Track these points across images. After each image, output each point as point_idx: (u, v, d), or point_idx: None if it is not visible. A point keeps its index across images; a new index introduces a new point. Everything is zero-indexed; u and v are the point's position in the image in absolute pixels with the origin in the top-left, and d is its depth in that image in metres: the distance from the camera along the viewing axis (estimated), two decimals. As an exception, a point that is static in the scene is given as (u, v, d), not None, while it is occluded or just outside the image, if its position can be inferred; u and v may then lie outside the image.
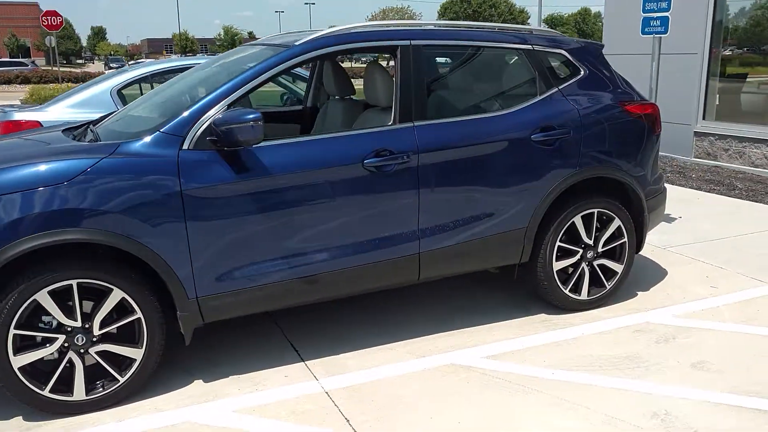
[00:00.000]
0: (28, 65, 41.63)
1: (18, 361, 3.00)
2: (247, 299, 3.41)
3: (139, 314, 3.19)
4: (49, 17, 24.25)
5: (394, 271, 3.73)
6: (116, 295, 3.12)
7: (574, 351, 3.75)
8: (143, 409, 3.19)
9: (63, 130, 3.94)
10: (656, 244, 5.63)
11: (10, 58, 58.22)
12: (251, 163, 3.30)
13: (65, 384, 3.12)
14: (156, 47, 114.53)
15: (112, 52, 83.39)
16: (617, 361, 3.61)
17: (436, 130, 3.73)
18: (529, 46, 4.13)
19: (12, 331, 2.96)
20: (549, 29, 4.59)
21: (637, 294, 4.58)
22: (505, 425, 3.03)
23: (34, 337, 3.05)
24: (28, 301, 2.96)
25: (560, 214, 4.09)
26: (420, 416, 3.11)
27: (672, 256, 5.33)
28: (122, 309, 3.18)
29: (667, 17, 6.41)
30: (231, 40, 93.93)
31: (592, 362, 3.60)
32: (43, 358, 3.07)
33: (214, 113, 3.28)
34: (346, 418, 3.10)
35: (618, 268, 4.37)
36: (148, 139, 3.22)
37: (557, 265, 4.17)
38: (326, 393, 3.33)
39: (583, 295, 4.28)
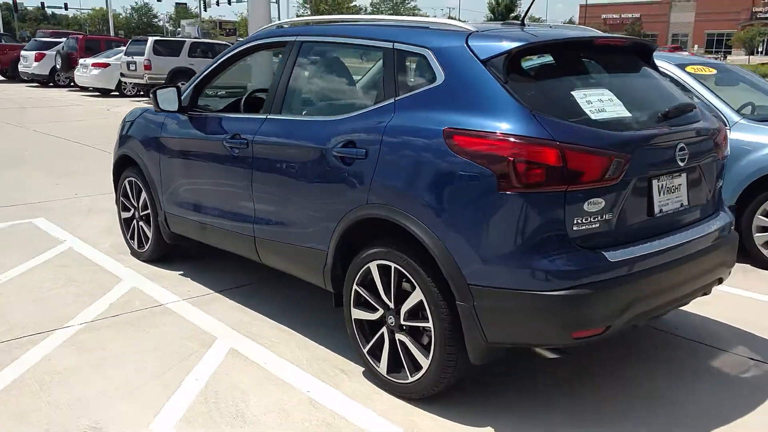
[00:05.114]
0: None
1: None
2: (180, 224, 4.70)
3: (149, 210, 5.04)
4: None
5: (245, 246, 4.13)
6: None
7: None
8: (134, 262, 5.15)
9: None
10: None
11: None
12: (180, 126, 4.53)
13: None
14: None
15: None
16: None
17: (275, 125, 3.80)
18: (389, 44, 3.30)
19: None
20: (452, 20, 3.23)
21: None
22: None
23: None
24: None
25: (360, 254, 3.31)
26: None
27: None
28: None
29: None
30: None
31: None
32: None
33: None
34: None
35: (423, 360, 3.07)
36: None
37: (355, 313, 3.40)
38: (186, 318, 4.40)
39: (382, 367, 3.28)
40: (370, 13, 72.83)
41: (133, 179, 5.13)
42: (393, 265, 3.13)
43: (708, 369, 3.67)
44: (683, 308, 4.27)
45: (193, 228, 4.59)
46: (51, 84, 24.42)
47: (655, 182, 3.05)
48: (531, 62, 3.13)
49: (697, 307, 4.30)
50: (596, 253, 2.80)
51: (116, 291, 4.61)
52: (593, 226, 2.80)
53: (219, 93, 5.18)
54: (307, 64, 3.87)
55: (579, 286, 2.73)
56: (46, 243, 5.66)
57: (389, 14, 72.16)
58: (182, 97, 4.48)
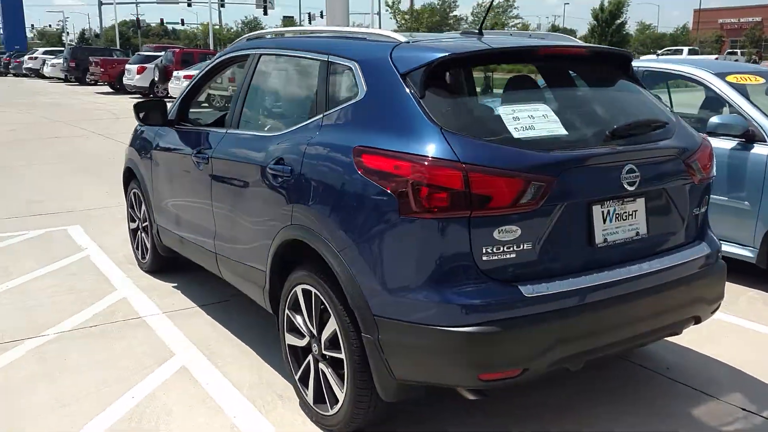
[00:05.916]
0: None
1: None
2: (168, 237, 4.71)
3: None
4: None
5: (209, 261, 4.09)
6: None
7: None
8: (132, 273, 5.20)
9: None
10: None
11: None
12: (166, 140, 4.55)
13: None
14: None
15: None
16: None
17: (230, 140, 3.74)
18: (325, 57, 3.14)
19: None
20: (388, 31, 2.98)
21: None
22: None
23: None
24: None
25: (289, 276, 3.16)
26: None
27: None
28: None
29: None
30: None
31: None
32: None
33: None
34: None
35: (339, 392, 2.88)
36: None
37: (288, 338, 3.25)
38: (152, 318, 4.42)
39: (310, 396, 3.11)
40: (470, 23, 71.92)
41: (136, 191, 5.22)
42: (313, 290, 2.97)
43: (689, 417, 3.25)
44: (684, 344, 3.88)
45: (175, 241, 4.59)
46: (151, 95, 25.72)
47: (596, 208, 2.72)
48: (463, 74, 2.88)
49: (701, 344, 3.88)
50: (510, 286, 2.51)
51: (105, 301, 4.69)
52: (508, 256, 2.52)
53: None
54: (260, 77, 3.77)
55: (485, 323, 2.45)
56: (67, 250, 5.87)
57: (491, 22, 70.81)
58: (171, 111, 4.50)
